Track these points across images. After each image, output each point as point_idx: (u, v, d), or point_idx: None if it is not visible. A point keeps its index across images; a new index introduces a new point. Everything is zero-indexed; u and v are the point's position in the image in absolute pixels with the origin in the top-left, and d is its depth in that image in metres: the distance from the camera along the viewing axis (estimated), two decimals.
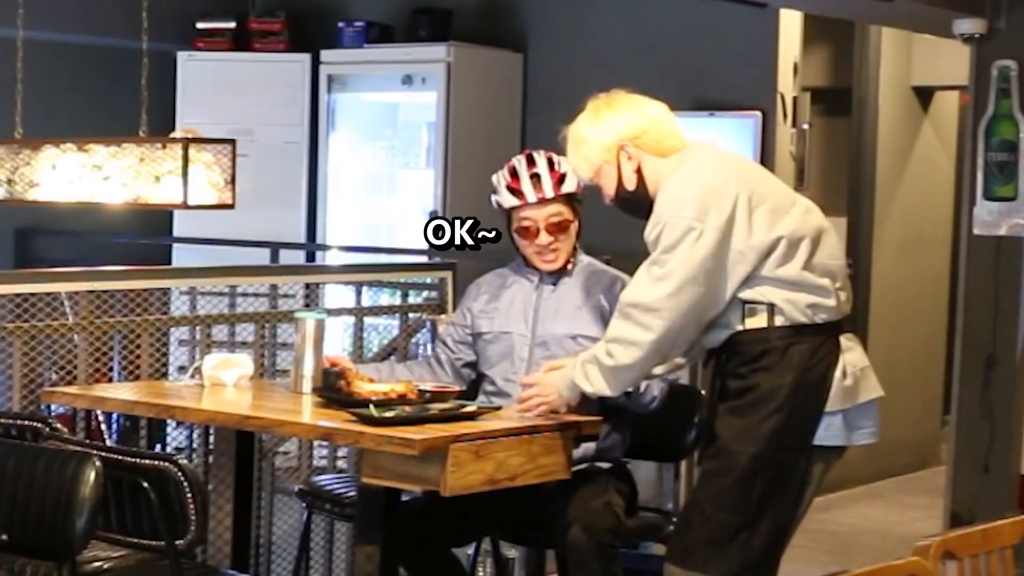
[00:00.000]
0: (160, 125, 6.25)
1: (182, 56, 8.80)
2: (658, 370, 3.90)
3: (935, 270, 8.80)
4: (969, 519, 6.19)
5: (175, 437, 5.56)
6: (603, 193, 3.95)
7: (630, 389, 3.97)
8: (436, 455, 3.61)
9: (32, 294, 5.00)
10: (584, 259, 4.34)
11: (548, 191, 4.19)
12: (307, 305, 5.89)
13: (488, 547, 5.05)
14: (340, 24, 8.68)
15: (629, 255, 3.97)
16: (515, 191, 4.21)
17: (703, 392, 4.11)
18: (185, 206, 5.42)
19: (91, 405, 4.70)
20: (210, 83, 8.80)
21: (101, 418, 5.59)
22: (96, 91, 8.70)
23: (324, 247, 8.50)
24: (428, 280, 6.30)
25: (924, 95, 8.62)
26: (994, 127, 6.35)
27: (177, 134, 5.53)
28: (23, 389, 5.00)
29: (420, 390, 4.02)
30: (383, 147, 8.71)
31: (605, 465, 4.20)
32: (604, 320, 4.04)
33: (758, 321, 3.74)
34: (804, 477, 3.82)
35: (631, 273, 3.88)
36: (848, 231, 8.06)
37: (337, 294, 6.61)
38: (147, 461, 3.65)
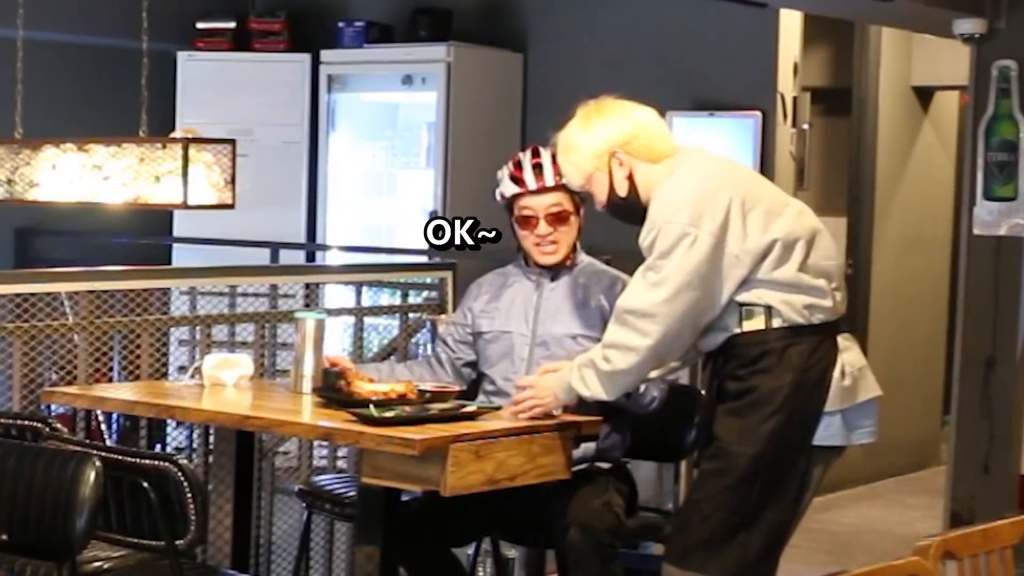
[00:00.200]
0: (160, 125, 6.24)
1: (182, 56, 8.79)
2: (654, 374, 3.91)
3: (935, 270, 8.79)
4: (969, 519, 6.18)
5: (175, 437, 5.56)
6: (595, 200, 3.95)
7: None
8: (436, 455, 3.61)
9: (32, 294, 5.00)
10: (584, 259, 4.34)
11: (549, 179, 4.20)
12: (307, 305, 5.89)
13: (488, 547, 5.05)
14: (340, 24, 8.68)
15: (629, 255, 3.97)
16: (517, 179, 4.23)
17: (703, 393, 4.12)
18: (185, 206, 5.42)
19: (91, 405, 4.70)
20: (210, 83, 8.79)
21: (101, 418, 5.59)
22: (96, 91, 8.70)
23: (324, 247, 8.50)
24: (428, 280, 6.30)
25: (924, 95, 8.62)
26: (994, 127, 6.34)
27: (177, 134, 5.53)
28: (23, 389, 5.00)
29: (420, 390, 4.02)
30: (383, 147, 8.70)
31: (605, 465, 4.20)
32: (604, 320, 4.04)
33: (755, 323, 3.75)
34: (803, 477, 3.82)
35: (631, 273, 3.88)
36: (848, 231, 8.06)
37: (337, 294, 6.61)
38: (147, 461, 3.65)
